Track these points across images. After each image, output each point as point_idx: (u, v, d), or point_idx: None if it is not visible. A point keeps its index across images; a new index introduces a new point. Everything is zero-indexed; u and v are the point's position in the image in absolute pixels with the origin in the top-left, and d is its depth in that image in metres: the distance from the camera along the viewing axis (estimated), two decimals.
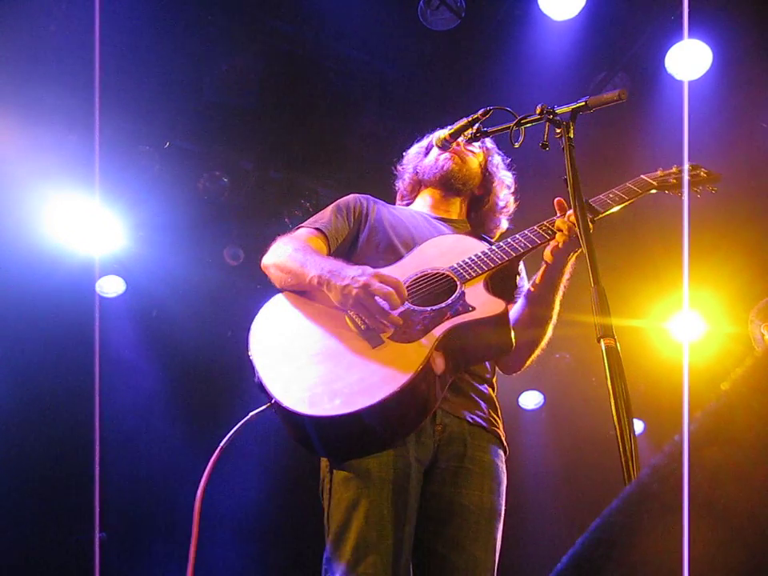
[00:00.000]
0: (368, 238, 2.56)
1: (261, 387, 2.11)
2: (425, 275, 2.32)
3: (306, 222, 2.61)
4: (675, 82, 4.89)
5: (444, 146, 2.55)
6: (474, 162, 2.78)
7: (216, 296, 6.01)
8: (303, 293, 2.33)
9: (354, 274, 2.15)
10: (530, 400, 7.00)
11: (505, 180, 2.85)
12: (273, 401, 2.05)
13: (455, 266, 2.32)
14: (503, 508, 2.27)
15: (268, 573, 6.36)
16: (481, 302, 2.20)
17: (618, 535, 1.01)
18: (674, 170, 2.51)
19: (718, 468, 0.93)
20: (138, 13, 4.56)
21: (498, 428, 2.38)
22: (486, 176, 2.82)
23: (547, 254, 2.38)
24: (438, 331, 2.12)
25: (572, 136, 2.10)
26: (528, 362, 2.54)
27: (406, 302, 2.17)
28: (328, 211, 2.63)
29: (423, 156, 2.86)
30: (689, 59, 4.76)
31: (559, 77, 4.81)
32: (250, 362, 2.16)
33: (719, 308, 5.86)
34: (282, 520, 6.23)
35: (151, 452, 6.05)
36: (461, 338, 2.15)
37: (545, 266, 2.40)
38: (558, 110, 2.16)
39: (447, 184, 2.75)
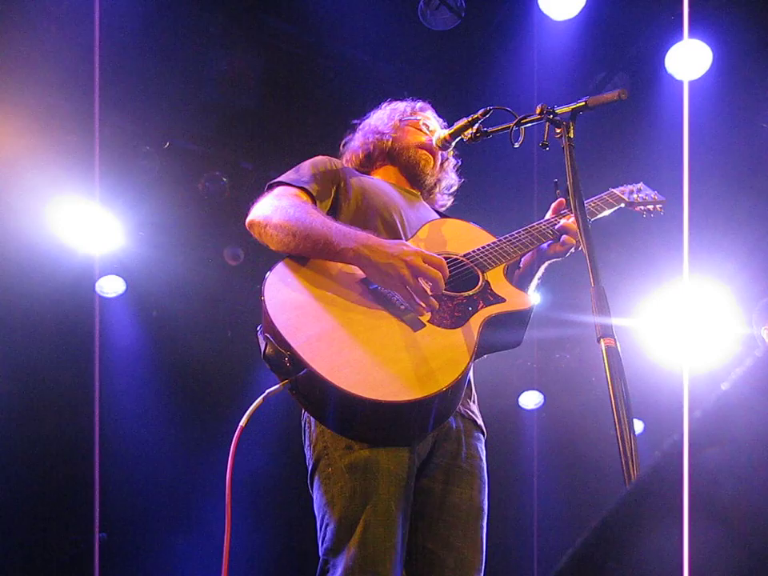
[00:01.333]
0: (355, 208, 2.42)
1: (292, 362, 1.90)
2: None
3: (284, 178, 2.42)
4: (675, 82, 4.89)
5: (444, 146, 2.55)
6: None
7: (216, 296, 6.01)
8: (308, 260, 2.16)
9: (396, 251, 2.03)
10: (530, 400, 6.98)
11: (451, 184, 2.87)
12: (305, 371, 1.87)
13: (471, 253, 2.30)
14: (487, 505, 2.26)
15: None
16: (507, 293, 2.20)
17: (617, 535, 1.00)
18: (637, 186, 2.73)
19: (718, 468, 0.93)
20: (138, 13, 4.57)
21: (480, 419, 2.36)
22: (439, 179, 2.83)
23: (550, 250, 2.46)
24: (478, 319, 2.08)
25: (572, 136, 2.10)
26: None
27: None
28: (306, 169, 2.47)
29: (397, 126, 2.77)
30: (689, 59, 4.76)
31: (559, 77, 4.81)
32: (280, 337, 1.93)
33: (719, 308, 5.86)
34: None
35: (151, 451, 6.05)
36: (493, 328, 2.10)
37: (531, 258, 2.49)
38: (558, 110, 2.15)
39: (414, 176, 2.72)
